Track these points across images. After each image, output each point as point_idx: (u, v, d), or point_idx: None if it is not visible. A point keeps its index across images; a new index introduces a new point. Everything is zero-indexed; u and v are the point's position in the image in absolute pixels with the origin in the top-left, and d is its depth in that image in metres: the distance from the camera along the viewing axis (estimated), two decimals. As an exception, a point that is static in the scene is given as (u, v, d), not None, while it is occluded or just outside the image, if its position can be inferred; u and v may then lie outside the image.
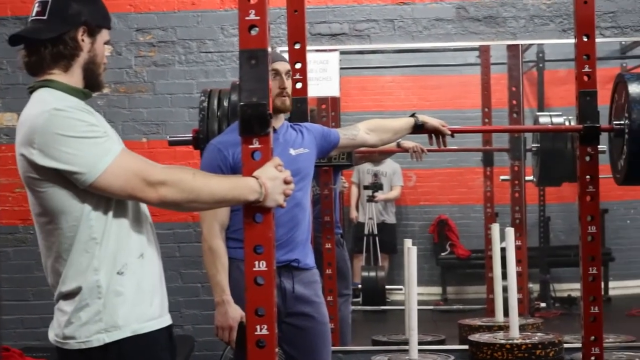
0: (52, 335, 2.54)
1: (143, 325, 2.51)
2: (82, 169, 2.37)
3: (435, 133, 4.02)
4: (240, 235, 3.28)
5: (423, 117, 4.00)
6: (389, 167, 8.09)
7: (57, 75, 2.52)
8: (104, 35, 2.60)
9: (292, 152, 3.69)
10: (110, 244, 2.47)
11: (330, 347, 3.85)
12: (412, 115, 4.00)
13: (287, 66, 3.71)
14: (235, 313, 3.59)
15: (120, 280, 2.48)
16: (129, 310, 2.48)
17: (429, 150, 5.51)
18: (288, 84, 3.68)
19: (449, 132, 4.01)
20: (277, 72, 3.64)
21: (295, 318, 3.72)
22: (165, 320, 2.61)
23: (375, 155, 6.58)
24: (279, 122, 3.70)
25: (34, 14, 2.53)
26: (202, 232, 3.63)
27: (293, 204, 3.62)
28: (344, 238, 5.75)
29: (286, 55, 4.12)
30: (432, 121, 4.00)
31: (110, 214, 2.47)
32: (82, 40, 2.53)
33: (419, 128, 3.99)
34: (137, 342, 2.49)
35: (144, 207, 2.59)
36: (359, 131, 3.94)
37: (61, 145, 2.36)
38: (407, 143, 5.59)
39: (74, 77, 2.54)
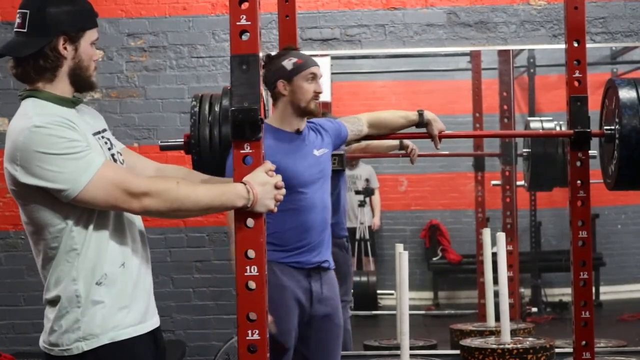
0: (41, 341, 2.56)
1: (120, 332, 2.51)
2: (65, 186, 2.38)
3: (429, 137, 4.00)
4: (270, 238, 3.36)
5: (428, 119, 3.91)
6: (364, 170, 8.03)
7: (43, 86, 2.51)
8: (90, 35, 2.56)
9: (316, 152, 3.73)
10: (89, 254, 2.48)
11: (340, 349, 3.86)
12: (421, 113, 3.93)
13: (321, 72, 3.76)
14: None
15: (99, 291, 2.49)
16: (106, 319, 2.49)
17: (419, 155, 5.49)
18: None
19: (437, 147, 3.97)
20: (314, 76, 3.68)
21: (316, 320, 3.73)
22: (147, 326, 2.60)
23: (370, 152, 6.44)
24: (303, 124, 3.74)
25: (16, 25, 2.51)
26: (229, 230, 3.60)
27: (322, 207, 3.70)
28: (349, 242, 5.59)
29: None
30: (433, 127, 3.93)
31: (92, 225, 2.48)
32: (65, 49, 2.50)
33: (418, 126, 3.97)
34: (115, 350, 2.50)
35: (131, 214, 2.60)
36: (363, 126, 3.95)
37: (43, 163, 2.37)
38: (409, 142, 5.47)
39: (61, 86, 2.53)
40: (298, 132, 3.70)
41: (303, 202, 3.64)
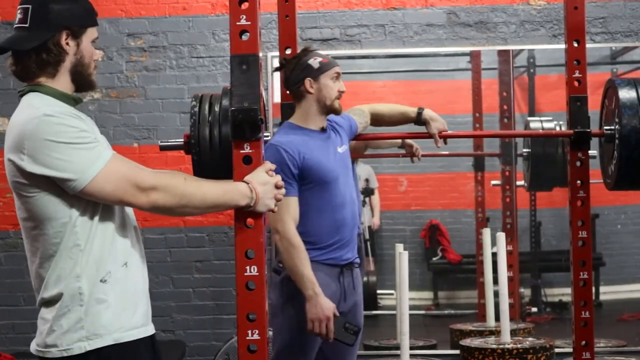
0: (34, 345, 2.51)
1: (125, 334, 2.49)
2: (73, 175, 2.36)
3: (429, 136, 4.01)
4: (305, 236, 3.42)
5: (426, 118, 3.98)
6: (364, 170, 8.00)
7: (44, 81, 2.50)
8: (90, 33, 2.57)
9: (339, 149, 3.78)
10: (93, 250, 2.45)
11: (358, 347, 3.87)
12: (420, 112, 3.99)
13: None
14: (328, 304, 3.53)
15: (103, 288, 2.46)
16: (111, 319, 2.46)
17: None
18: None
19: (438, 145, 3.99)
20: (338, 75, 3.73)
21: (342, 315, 3.72)
22: (149, 330, 2.59)
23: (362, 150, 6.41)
24: (325, 122, 3.77)
25: (17, 21, 2.51)
26: (277, 230, 3.55)
27: (351, 202, 3.74)
28: (365, 241, 5.47)
29: (276, 61, 4.14)
30: (432, 127, 3.96)
31: (96, 220, 2.46)
32: (67, 44, 2.51)
33: (417, 124, 4.01)
34: (118, 351, 2.47)
35: (129, 210, 2.58)
36: (367, 117, 4.03)
37: (52, 152, 2.35)
38: (412, 141, 5.43)
39: (62, 82, 2.52)
40: (322, 129, 3.72)
41: (335, 197, 3.68)
